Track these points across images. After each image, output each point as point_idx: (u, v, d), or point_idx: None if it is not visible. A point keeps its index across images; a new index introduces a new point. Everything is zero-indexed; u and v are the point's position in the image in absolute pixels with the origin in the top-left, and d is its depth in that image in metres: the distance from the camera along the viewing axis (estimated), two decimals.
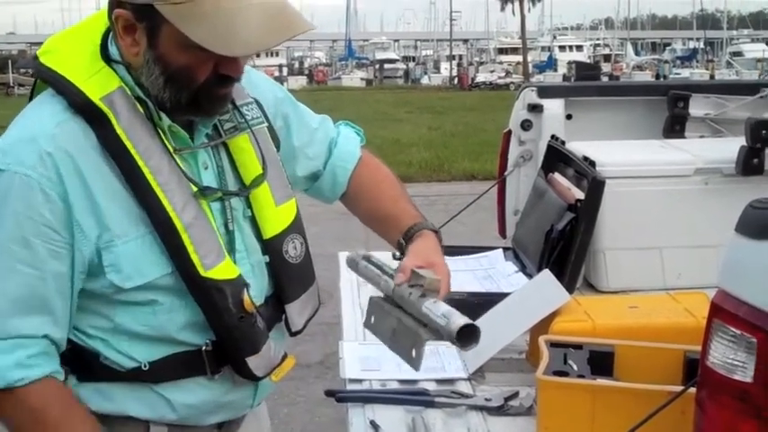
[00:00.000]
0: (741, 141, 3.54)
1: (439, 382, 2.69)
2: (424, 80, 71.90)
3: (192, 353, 1.97)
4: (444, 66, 79.22)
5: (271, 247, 2.09)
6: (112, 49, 1.92)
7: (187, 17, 1.76)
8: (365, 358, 2.89)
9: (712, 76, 52.35)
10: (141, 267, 1.88)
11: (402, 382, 2.72)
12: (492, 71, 70.31)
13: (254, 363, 2.01)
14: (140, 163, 1.86)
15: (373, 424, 2.45)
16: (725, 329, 1.77)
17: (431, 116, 30.61)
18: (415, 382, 2.70)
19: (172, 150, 1.92)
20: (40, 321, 1.85)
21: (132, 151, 1.85)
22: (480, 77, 64.31)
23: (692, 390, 1.93)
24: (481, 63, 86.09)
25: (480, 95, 45.98)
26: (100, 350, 1.94)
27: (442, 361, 2.81)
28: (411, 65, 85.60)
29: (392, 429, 2.42)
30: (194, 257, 1.89)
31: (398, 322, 2.03)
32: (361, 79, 70.08)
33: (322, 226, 10.21)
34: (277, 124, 2.23)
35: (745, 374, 1.73)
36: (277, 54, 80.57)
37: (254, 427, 2.25)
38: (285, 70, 68.53)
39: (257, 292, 2.04)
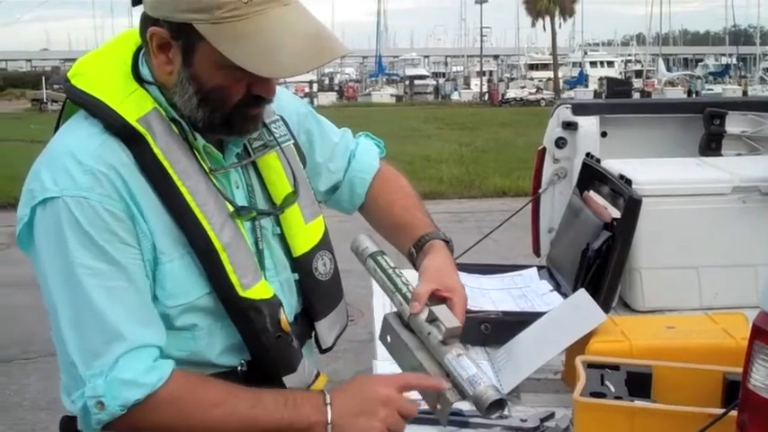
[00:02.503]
0: None
1: None
2: (455, 96, 71.80)
3: (228, 374, 1.96)
4: (474, 82, 78.99)
5: (300, 265, 2.08)
6: (144, 70, 1.92)
7: (226, 37, 1.76)
8: None
9: (745, 92, 52.11)
10: (184, 287, 1.88)
11: None
12: (522, 87, 70.23)
13: (290, 381, 2.00)
14: (178, 183, 1.85)
15: None
16: (767, 351, 1.75)
17: (461, 132, 30.61)
18: None
19: (208, 170, 1.92)
20: (152, 331, 1.85)
21: (170, 171, 1.85)
22: (511, 93, 64.22)
23: (733, 413, 1.91)
24: (512, 79, 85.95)
25: (511, 111, 45.94)
26: None
27: None
28: (441, 81, 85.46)
29: None
30: (233, 278, 1.89)
31: (420, 365, 1.95)
32: (392, 95, 70.09)
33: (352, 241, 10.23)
34: (301, 140, 2.23)
35: None
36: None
37: None
38: (315, 86, 68.61)
39: (287, 309, 2.03)
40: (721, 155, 4.48)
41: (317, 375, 2.11)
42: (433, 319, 1.94)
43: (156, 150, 1.85)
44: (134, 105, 1.86)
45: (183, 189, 1.86)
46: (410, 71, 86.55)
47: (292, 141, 2.14)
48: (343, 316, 2.20)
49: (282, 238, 2.07)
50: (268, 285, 1.97)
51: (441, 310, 1.95)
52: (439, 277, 2.07)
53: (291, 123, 2.18)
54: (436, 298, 2.02)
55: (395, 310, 2.06)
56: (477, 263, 3.90)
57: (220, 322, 1.93)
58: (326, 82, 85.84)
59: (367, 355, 3.11)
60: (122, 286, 1.81)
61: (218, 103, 1.87)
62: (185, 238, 1.87)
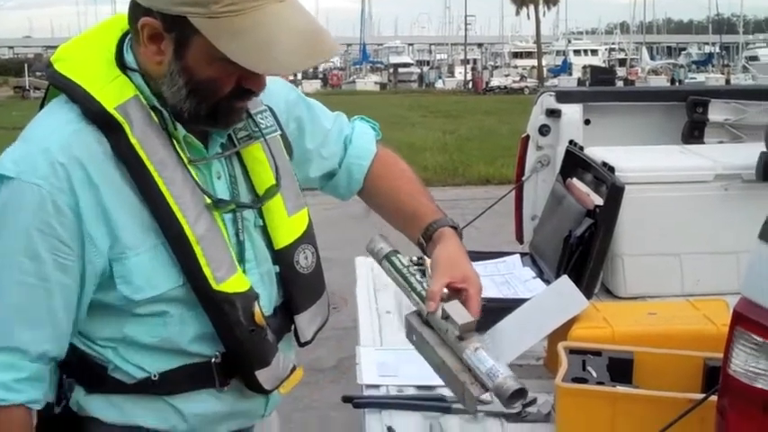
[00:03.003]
0: (761, 147, 3.52)
1: None
2: (439, 84, 71.73)
3: (202, 365, 1.95)
4: (459, 70, 79.00)
5: (282, 258, 2.06)
6: (128, 57, 1.89)
7: (223, 32, 1.75)
8: (382, 364, 2.88)
9: (728, 81, 52.20)
10: (152, 279, 1.86)
11: (419, 387, 2.72)
12: (506, 75, 70.20)
13: (263, 376, 1.99)
14: (154, 174, 1.83)
15: (390, 430, 2.44)
16: (748, 337, 1.76)
17: (445, 120, 30.57)
18: (432, 387, 2.69)
19: (186, 161, 1.89)
20: (41, 335, 1.83)
21: (146, 162, 1.83)
22: (495, 81, 64.16)
23: (713, 398, 1.92)
24: (495, 67, 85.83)
25: (495, 99, 45.92)
26: (110, 360, 1.93)
27: None
28: (425, 69, 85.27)
29: None
30: (206, 270, 1.87)
31: (443, 363, 1.97)
32: (376, 83, 69.96)
33: (339, 231, 10.21)
34: (290, 127, 2.20)
35: None
36: None
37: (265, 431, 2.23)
38: (299, 74, 68.55)
39: (266, 301, 2.02)
40: (704, 142, 4.49)
41: (293, 369, 2.10)
42: (446, 317, 1.95)
43: (133, 140, 1.82)
44: (114, 92, 1.84)
45: (158, 180, 1.83)
46: (394, 59, 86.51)
47: (279, 133, 2.11)
48: (325, 310, 2.18)
49: (265, 231, 2.06)
50: (244, 278, 1.95)
51: (453, 307, 1.96)
52: (451, 268, 2.05)
53: (279, 112, 2.15)
54: (451, 290, 2.02)
55: (414, 309, 2.06)
56: None
57: (193, 311, 1.92)
58: (310, 70, 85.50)
59: (350, 342, 3.12)
60: (32, 283, 1.80)
61: (207, 95, 1.85)
62: (160, 229, 1.85)
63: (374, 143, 2.38)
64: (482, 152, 19.71)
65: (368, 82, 69.97)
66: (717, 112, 4.57)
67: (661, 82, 55.96)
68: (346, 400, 2.71)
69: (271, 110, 2.11)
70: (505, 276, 3.61)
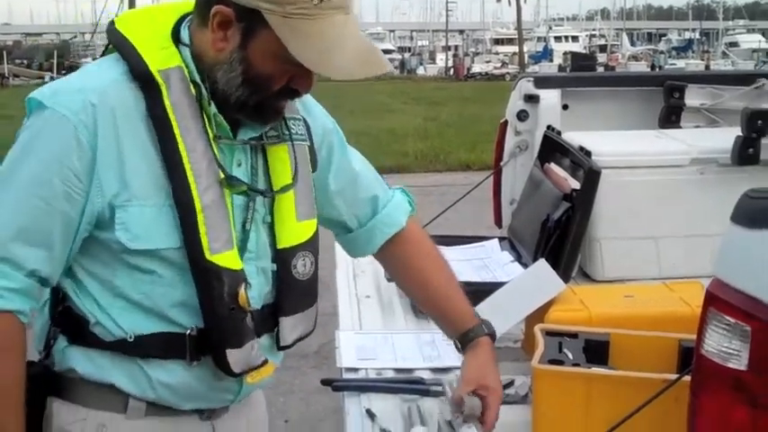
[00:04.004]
0: (737, 131, 3.55)
1: (434, 370, 2.71)
2: (420, 71, 71.61)
3: (177, 335, 1.98)
4: (440, 56, 78.88)
5: (281, 258, 2.09)
6: (184, 33, 1.99)
7: (292, 32, 1.85)
8: (361, 347, 2.90)
9: (708, 67, 52.27)
10: (151, 233, 1.92)
11: (398, 370, 2.74)
12: (488, 62, 70.21)
13: (233, 356, 2.00)
14: (178, 138, 1.92)
15: (369, 412, 2.46)
16: (720, 318, 1.79)
17: (426, 107, 30.55)
18: (411, 371, 2.71)
19: (211, 136, 1.97)
20: (36, 254, 1.90)
21: (174, 125, 1.92)
22: (476, 68, 64.15)
23: (687, 378, 1.95)
24: (477, 53, 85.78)
25: (476, 86, 45.93)
26: (92, 314, 1.98)
27: (438, 350, 2.82)
28: (407, 55, 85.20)
29: (388, 418, 2.44)
30: (204, 239, 1.92)
31: None
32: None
33: None
34: (321, 152, 2.27)
35: (740, 362, 1.75)
36: None
37: (243, 417, 2.23)
38: None
39: (257, 294, 2.04)
40: (681, 127, 4.51)
41: (265, 362, 2.09)
42: (461, 409, 2.18)
43: (167, 102, 1.92)
44: (161, 58, 1.94)
45: (180, 144, 1.92)
46: (376, 45, 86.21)
47: (307, 143, 2.18)
48: (310, 323, 2.19)
49: (271, 228, 2.09)
50: (237, 258, 1.99)
51: (467, 398, 2.19)
52: (477, 378, 2.23)
53: (315, 134, 2.23)
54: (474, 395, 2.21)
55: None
56: (440, 234, 3.93)
57: (182, 277, 1.96)
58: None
59: (332, 328, 3.13)
60: (39, 205, 1.89)
61: (259, 88, 1.94)
62: (170, 190, 1.92)
63: (406, 216, 2.43)
64: (463, 138, 19.73)
65: None
66: (693, 97, 4.60)
67: (641, 68, 55.96)
68: (325, 383, 2.73)
69: (306, 123, 2.19)
70: (484, 260, 3.63)
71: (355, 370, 2.78)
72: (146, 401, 2.02)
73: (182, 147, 1.92)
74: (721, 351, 1.78)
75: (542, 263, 2.93)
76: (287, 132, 2.12)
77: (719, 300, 1.80)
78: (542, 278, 2.84)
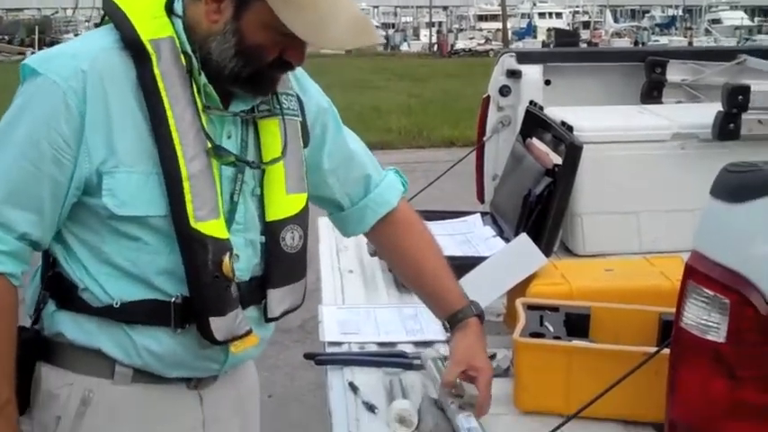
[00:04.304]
0: (717, 107, 3.56)
1: (417, 344, 2.72)
2: (404, 47, 71.34)
3: (162, 303, 2.01)
4: (424, 33, 78.61)
5: (269, 231, 2.11)
6: (177, 5, 2.01)
7: (285, 2, 1.88)
8: (344, 321, 2.91)
9: (691, 44, 52.30)
10: (137, 200, 1.95)
11: (381, 344, 2.75)
12: (471, 38, 69.97)
13: (215, 324, 2.02)
14: (167, 106, 1.95)
15: (352, 386, 2.48)
16: (699, 291, 1.80)
17: (410, 83, 30.48)
18: (393, 344, 2.73)
19: (201, 107, 2.00)
20: (26, 218, 1.94)
21: (163, 93, 1.95)
22: (460, 44, 63.91)
23: (666, 351, 1.96)
24: (461, 30, 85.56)
25: (460, 62, 45.79)
26: (81, 279, 2.01)
27: (420, 324, 2.83)
28: (390, 32, 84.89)
29: (370, 391, 2.45)
30: (189, 207, 1.95)
31: (436, 426, 2.20)
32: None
33: None
34: (315, 130, 2.29)
35: (719, 335, 1.77)
36: None
37: (232, 388, 2.24)
38: None
39: (244, 266, 2.07)
40: (662, 102, 4.52)
41: (249, 332, 2.10)
42: (457, 394, 2.23)
43: (157, 71, 1.95)
44: (152, 28, 1.98)
45: (168, 112, 1.94)
46: None
47: (299, 119, 2.20)
48: (299, 296, 2.21)
49: (260, 201, 2.12)
50: (224, 228, 2.01)
51: (467, 386, 2.24)
52: (468, 359, 2.27)
53: (309, 111, 2.26)
54: (464, 377, 2.25)
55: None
56: (422, 210, 3.94)
57: (168, 246, 1.99)
58: None
59: (315, 303, 3.14)
60: (29, 169, 1.93)
61: (253, 59, 1.97)
62: (158, 158, 1.95)
63: (398, 198, 2.45)
64: (446, 115, 19.71)
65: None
66: (675, 73, 4.61)
67: (624, 45, 55.94)
68: (308, 357, 2.74)
69: (299, 99, 2.22)
70: (466, 235, 3.65)
71: (338, 344, 2.79)
72: (132, 368, 2.05)
73: (170, 115, 1.95)
74: (700, 324, 1.80)
75: (524, 237, 2.94)
76: (278, 107, 2.14)
77: (699, 273, 1.81)
78: (524, 253, 2.85)
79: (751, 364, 1.74)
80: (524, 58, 4.59)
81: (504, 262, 2.92)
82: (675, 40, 58.29)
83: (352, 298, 3.22)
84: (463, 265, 2.95)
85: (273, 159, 2.10)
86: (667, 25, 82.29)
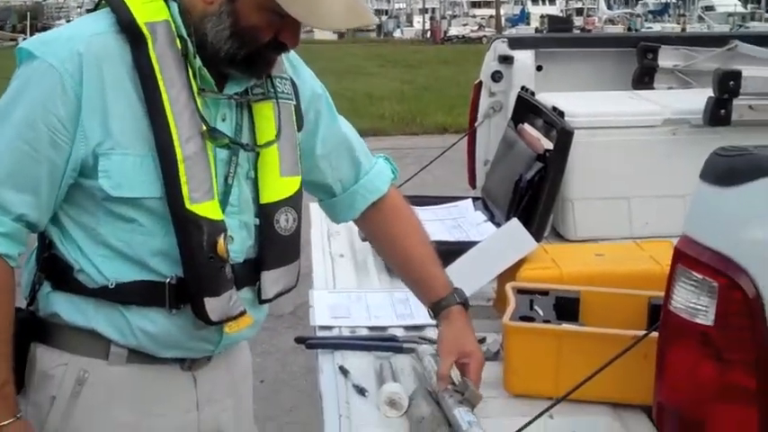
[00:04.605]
0: (709, 92, 3.56)
1: (407, 328, 2.73)
2: (397, 34, 71.39)
3: (157, 283, 2.03)
4: (417, 19, 78.58)
5: (264, 213, 2.13)
6: None
7: None
8: (335, 306, 2.92)
9: (684, 30, 52.35)
10: (133, 182, 1.97)
11: (371, 328, 2.76)
12: (465, 25, 69.99)
13: (210, 304, 2.03)
14: (162, 89, 1.96)
15: (342, 369, 2.48)
16: (688, 274, 1.81)
17: (403, 70, 30.46)
18: (384, 328, 2.73)
19: (196, 90, 2.01)
20: (23, 199, 1.96)
21: (158, 76, 1.96)
22: (453, 31, 63.89)
23: (655, 334, 1.97)
24: (454, 16, 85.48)
25: (453, 49, 45.73)
26: (77, 260, 2.03)
27: (411, 308, 2.84)
28: (384, 18, 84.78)
29: (361, 375, 2.46)
30: (184, 188, 1.96)
31: (430, 414, 2.19)
32: (334, 32, 69.57)
33: None
34: (308, 115, 2.30)
35: (707, 318, 1.77)
36: None
37: (225, 370, 2.25)
38: None
39: (238, 248, 2.08)
40: (654, 88, 4.52)
41: (243, 312, 2.11)
42: (458, 390, 2.21)
43: (153, 54, 1.96)
44: (148, 11, 1.99)
45: (164, 95, 1.96)
46: None
47: (293, 103, 2.21)
48: (293, 278, 2.23)
49: (255, 184, 2.13)
50: (218, 209, 2.03)
51: (470, 382, 2.23)
52: (457, 347, 2.28)
53: (303, 96, 2.27)
54: (457, 365, 2.26)
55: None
56: (414, 195, 3.95)
57: (163, 228, 2.00)
58: None
59: (307, 289, 3.14)
60: (26, 150, 1.94)
61: (248, 40, 1.99)
62: (154, 140, 1.97)
63: (388, 184, 2.47)
64: (439, 101, 19.70)
65: (325, 31, 69.35)
66: (666, 59, 4.60)
67: (618, 31, 55.92)
68: (299, 341, 2.75)
69: (293, 83, 2.23)
70: (458, 220, 3.65)
71: (329, 328, 2.79)
72: (127, 348, 2.07)
73: (165, 98, 1.96)
74: (689, 307, 1.81)
75: (515, 222, 2.95)
76: (272, 90, 2.16)
77: (688, 256, 1.82)
78: (515, 237, 2.85)
79: (738, 348, 1.76)
80: (516, 43, 4.58)
81: (494, 247, 2.92)
82: (668, 27, 58.28)
83: (343, 282, 3.23)
84: (454, 250, 2.95)
85: (268, 142, 2.12)
86: (660, 12, 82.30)
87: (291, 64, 2.27)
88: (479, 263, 2.86)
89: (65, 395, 2.06)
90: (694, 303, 1.80)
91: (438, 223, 3.57)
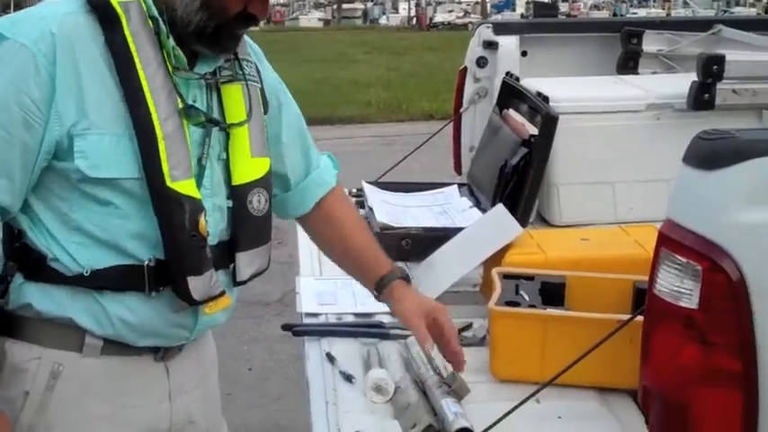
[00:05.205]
0: (693, 77, 3.57)
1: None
2: (383, 20, 71.28)
3: (134, 267, 2.01)
4: (403, 6, 78.51)
5: (236, 194, 2.13)
6: None
7: None
8: (321, 293, 2.92)
9: (668, 15, 52.36)
10: (110, 162, 1.94)
11: (358, 315, 2.76)
12: (450, 11, 69.89)
13: (193, 283, 2.02)
14: (138, 67, 1.94)
15: (329, 356, 2.49)
16: (672, 258, 1.81)
17: (389, 56, 30.47)
18: (370, 315, 2.74)
19: (171, 68, 2.00)
20: None
21: (134, 55, 1.94)
22: (438, 17, 63.86)
23: (640, 318, 1.98)
24: (439, 3, 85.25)
25: (439, 36, 45.75)
26: (49, 249, 1.99)
27: None
28: (369, 5, 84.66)
29: (348, 361, 2.46)
30: (164, 166, 1.95)
31: (417, 400, 2.20)
32: (319, 20, 69.25)
33: None
34: (272, 103, 2.30)
35: (691, 301, 1.77)
36: None
37: (195, 359, 2.24)
38: None
39: (212, 230, 2.06)
40: (638, 73, 4.52)
41: (223, 292, 2.11)
42: (446, 381, 2.21)
43: (127, 32, 1.95)
44: None
45: (141, 73, 1.94)
46: None
47: (259, 86, 2.21)
48: (265, 259, 2.22)
49: (226, 166, 2.12)
50: (195, 186, 2.02)
51: (459, 376, 2.22)
52: (420, 309, 2.29)
53: (267, 84, 2.26)
54: (429, 327, 2.24)
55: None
56: (399, 181, 3.95)
57: (140, 210, 1.98)
58: None
59: (293, 276, 3.16)
60: (1, 135, 1.91)
61: (217, 11, 1.98)
62: (130, 119, 1.94)
63: (335, 178, 2.47)
64: (425, 88, 19.74)
65: (311, 18, 69.29)
66: (651, 43, 4.60)
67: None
68: (286, 328, 2.75)
69: (257, 68, 2.23)
70: (443, 206, 3.65)
71: (315, 315, 2.80)
72: (103, 339, 2.04)
73: (142, 76, 1.95)
74: (673, 290, 1.81)
75: (500, 208, 2.95)
76: (240, 72, 2.15)
77: (671, 240, 1.82)
78: (500, 223, 2.86)
79: (723, 331, 1.76)
80: (501, 29, 4.58)
81: (480, 232, 2.93)
82: (653, 13, 58.31)
83: (330, 269, 3.22)
84: (440, 237, 2.96)
85: (241, 122, 2.12)
86: None
87: (254, 50, 2.27)
88: (465, 249, 2.87)
89: (39, 389, 2.03)
90: (678, 287, 1.80)
91: (424, 209, 3.58)
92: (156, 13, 1.98)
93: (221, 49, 2.06)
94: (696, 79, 3.54)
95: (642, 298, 2.07)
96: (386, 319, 2.68)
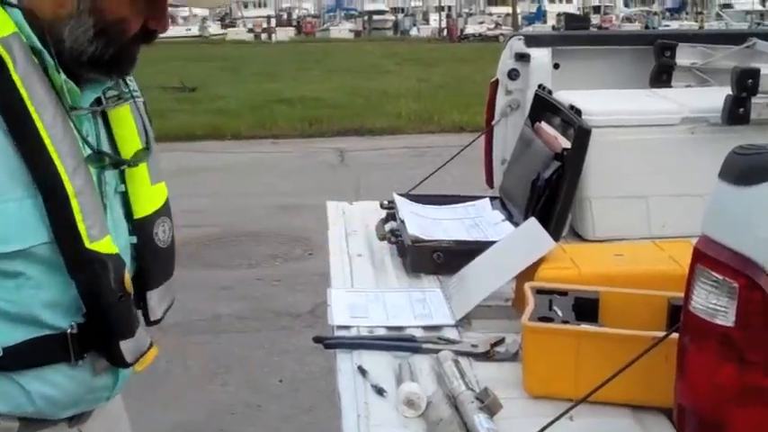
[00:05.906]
0: (727, 91, 3.54)
1: (426, 328, 2.72)
2: (413, 32, 71.43)
3: (55, 336, 1.82)
4: (433, 17, 78.70)
5: (141, 227, 1.98)
6: None
7: None
8: (353, 305, 2.91)
9: (701, 28, 52.16)
10: (17, 232, 1.72)
11: (389, 328, 2.75)
12: (481, 23, 70.01)
13: (126, 346, 1.88)
14: (35, 116, 1.70)
15: (361, 369, 2.48)
16: (707, 275, 1.80)
17: (420, 68, 30.50)
18: (402, 328, 2.73)
19: (67, 108, 1.78)
20: None
21: (27, 102, 1.69)
22: (469, 29, 63.96)
23: (675, 336, 1.96)
24: (470, 14, 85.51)
25: (469, 47, 45.77)
26: None
27: (429, 308, 2.83)
28: (400, 16, 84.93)
29: (379, 374, 2.45)
30: (81, 226, 1.75)
31: (449, 415, 2.16)
32: (350, 31, 69.54)
33: (310, 177, 10.20)
34: None
35: (727, 319, 1.76)
36: (265, 5, 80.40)
37: (104, 419, 2.09)
38: (273, 21, 67.98)
39: None
40: (671, 86, 4.50)
41: (151, 345, 1.98)
42: (479, 397, 2.17)
43: (15, 77, 1.69)
44: None
45: (38, 123, 1.70)
46: (369, 6, 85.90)
47: (143, 99, 2.05)
48: (174, 291, 2.10)
49: (125, 198, 1.97)
50: (112, 242, 1.83)
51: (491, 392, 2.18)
52: None
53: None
54: None
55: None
56: (431, 194, 3.94)
57: (53, 276, 1.79)
58: (285, 17, 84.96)
59: (326, 288, 3.15)
60: None
61: (115, 36, 1.79)
62: (32, 179, 1.72)
63: None
64: (456, 100, 19.74)
65: (342, 29, 69.53)
66: (684, 56, 4.58)
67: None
68: (317, 340, 2.74)
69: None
70: (475, 219, 3.64)
71: (347, 328, 2.79)
72: (18, 419, 1.86)
73: (40, 127, 1.70)
74: (708, 308, 1.80)
75: (533, 222, 2.94)
76: (127, 90, 1.97)
77: (707, 256, 1.81)
78: (533, 237, 2.85)
79: (760, 349, 1.74)
80: (533, 41, 4.57)
81: (512, 246, 2.91)
82: (686, 25, 58.13)
83: (361, 282, 3.22)
84: (472, 250, 2.95)
85: (140, 155, 1.95)
86: (678, 10, 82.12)
87: None
88: (497, 262, 2.86)
89: None
90: (714, 304, 1.79)
91: (456, 222, 3.57)
92: (38, 44, 1.74)
93: (119, 73, 1.89)
94: (731, 93, 3.52)
95: (677, 315, 2.05)
96: (418, 333, 2.67)
